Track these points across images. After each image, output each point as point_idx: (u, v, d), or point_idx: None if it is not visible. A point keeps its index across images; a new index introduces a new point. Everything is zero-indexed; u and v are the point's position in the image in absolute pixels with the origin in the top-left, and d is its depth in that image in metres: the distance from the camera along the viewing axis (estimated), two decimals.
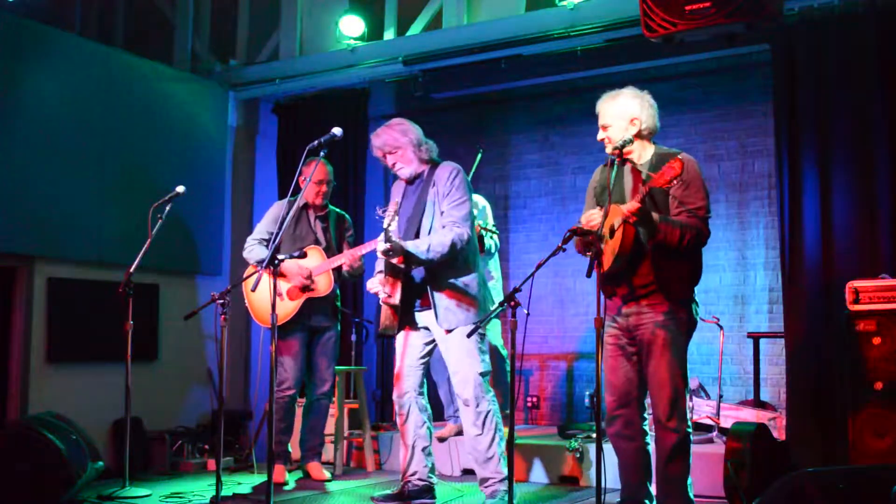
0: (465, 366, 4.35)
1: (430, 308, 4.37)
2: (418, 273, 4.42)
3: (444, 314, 4.33)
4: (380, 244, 4.28)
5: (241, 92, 7.24)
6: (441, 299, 4.35)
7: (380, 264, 4.55)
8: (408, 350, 4.53)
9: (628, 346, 3.89)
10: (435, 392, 5.81)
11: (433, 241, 4.31)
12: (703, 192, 3.81)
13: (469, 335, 4.18)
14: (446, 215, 4.37)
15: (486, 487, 4.39)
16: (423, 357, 4.55)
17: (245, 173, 7.36)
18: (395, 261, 4.35)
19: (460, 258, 4.38)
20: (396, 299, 4.41)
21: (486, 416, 4.35)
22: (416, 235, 4.43)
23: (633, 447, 3.91)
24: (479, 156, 6.14)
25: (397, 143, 4.47)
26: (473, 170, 5.90)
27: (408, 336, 4.53)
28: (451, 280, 4.37)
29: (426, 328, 4.49)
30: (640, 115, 3.90)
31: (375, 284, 4.49)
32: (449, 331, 4.34)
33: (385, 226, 4.27)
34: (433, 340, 4.50)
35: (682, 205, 3.76)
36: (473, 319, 4.31)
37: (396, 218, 4.35)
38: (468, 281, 4.39)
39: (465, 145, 6.75)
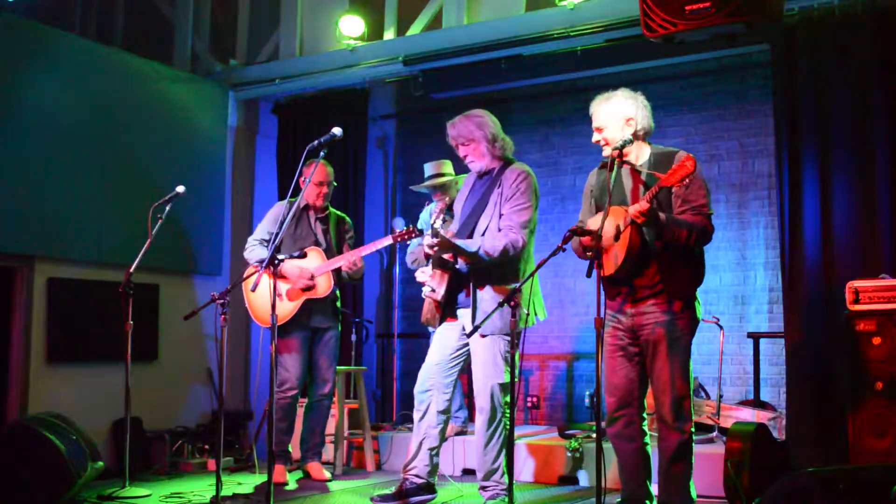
0: (485, 373, 4.32)
1: (471, 307, 4.32)
2: (464, 270, 4.37)
3: (480, 318, 4.23)
4: (426, 238, 4.26)
5: (241, 92, 7.24)
6: (482, 301, 4.30)
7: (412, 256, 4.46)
8: (440, 348, 4.49)
9: (630, 347, 3.89)
10: None
11: (485, 243, 4.25)
12: (704, 189, 3.82)
13: (469, 335, 4.17)
14: (505, 218, 4.30)
15: (485, 491, 4.39)
16: (454, 358, 4.47)
17: (245, 173, 7.37)
18: (446, 256, 4.32)
19: (510, 264, 4.31)
20: (440, 295, 4.39)
21: (496, 427, 4.32)
22: (472, 232, 4.38)
23: (633, 447, 3.91)
24: None
25: (472, 135, 4.41)
26: None
27: (444, 334, 4.49)
28: (497, 285, 4.29)
29: (464, 327, 4.43)
30: (636, 115, 3.90)
31: (424, 275, 4.47)
32: (483, 335, 4.27)
33: (431, 222, 4.25)
34: (468, 343, 4.44)
35: (685, 203, 3.76)
36: (507, 329, 4.22)
37: (443, 216, 4.31)
38: (508, 288, 4.29)
39: None
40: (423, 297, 4.53)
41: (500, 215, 4.32)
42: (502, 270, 4.30)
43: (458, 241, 4.25)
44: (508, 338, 4.27)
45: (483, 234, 4.33)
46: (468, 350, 4.45)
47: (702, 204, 3.77)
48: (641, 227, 3.67)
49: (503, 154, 4.46)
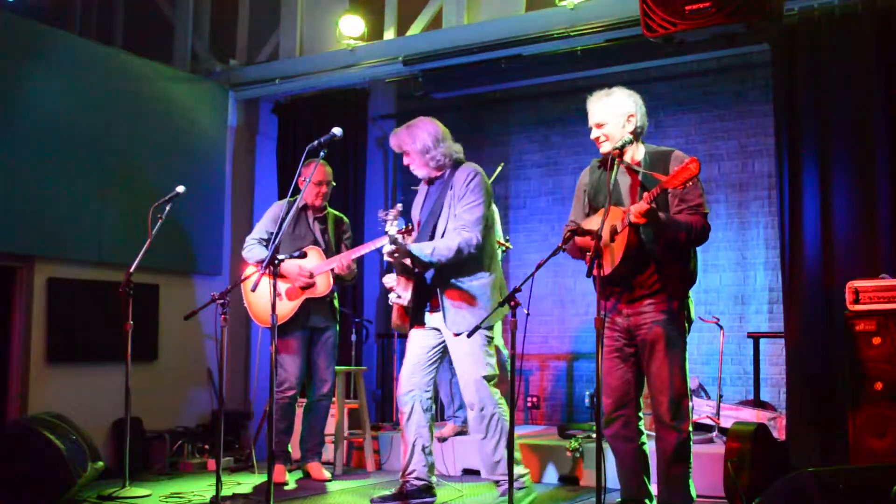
0: (468, 369, 4.35)
1: (440, 310, 4.36)
2: (429, 275, 4.41)
3: (451, 317, 4.31)
4: (385, 247, 4.28)
5: (241, 92, 7.24)
6: (449, 302, 4.34)
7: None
8: (416, 349, 4.51)
9: (626, 348, 3.89)
10: (436, 392, 5.81)
11: (439, 244, 4.29)
12: (700, 188, 3.82)
13: (469, 335, 4.18)
14: (458, 218, 4.33)
15: (500, 486, 4.43)
16: (431, 357, 4.50)
17: (245, 173, 7.37)
18: (407, 261, 4.35)
19: (471, 261, 4.34)
20: (406, 300, 4.43)
21: (489, 420, 4.34)
22: (432, 237, 4.42)
23: (631, 448, 3.91)
24: (499, 169, 6.17)
25: (406, 147, 4.46)
26: (490, 181, 5.94)
27: (418, 335, 4.51)
28: (459, 283, 4.34)
29: (436, 329, 4.46)
30: (636, 112, 3.90)
31: (391, 280, 4.50)
32: (457, 334, 4.30)
33: (386, 229, 4.27)
34: (444, 341, 4.47)
35: (683, 202, 3.77)
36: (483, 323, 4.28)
37: (396, 222, 4.33)
38: (478, 284, 4.35)
39: (465, 145, 6.76)
40: (390, 303, 4.56)
41: (455, 215, 4.36)
42: (463, 268, 4.35)
43: (413, 247, 4.29)
44: (486, 332, 4.34)
45: (443, 236, 4.38)
46: (444, 347, 4.48)
47: (699, 203, 3.78)
48: (640, 227, 3.67)
49: (445, 161, 4.47)
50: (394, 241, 4.23)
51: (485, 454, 4.39)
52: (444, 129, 4.53)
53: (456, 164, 4.50)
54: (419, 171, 4.51)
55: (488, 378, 4.35)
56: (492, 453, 4.36)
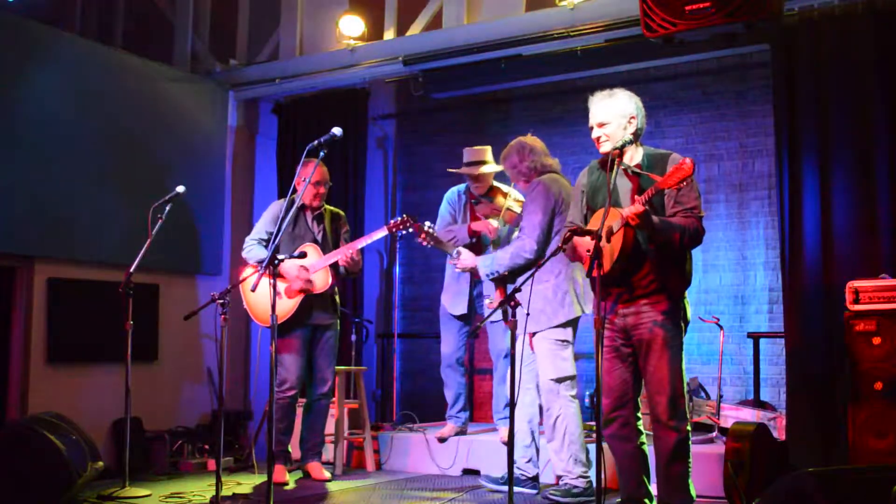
0: (540, 371, 4.57)
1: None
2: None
3: (521, 319, 4.37)
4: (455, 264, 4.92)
5: (241, 92, 7.24)
6: (532, 300, 4.43)
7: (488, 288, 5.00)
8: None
9: (623, 347, 3.89)
10: (440, 391, 5.80)
11: (498, 254, 4.64)
12: (696, 191, 3.82)
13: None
14: (520, 227, 4.64)
15: (560, 480, 4.60)
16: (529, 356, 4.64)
17: (245, 173, 7.37)
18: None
19: (532, 266, 4.45)
20: (492, 304, 4.74)
21: (554, 421, 4.52)
22: None
23: (630, 448, 3.91)
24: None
25: (503, 166, 4.94)
26: None
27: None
28: (537, 283, 4.48)
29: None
30: (637, 115, 3.91)
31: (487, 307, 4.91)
32: (532, 333, 4.51)
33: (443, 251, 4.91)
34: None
35: (678, 204, 3.77)
36: (549, 323, 4.48)
37: (455, 249, 4.83)
38: (541, 286, 4.50)
39: (465, 145, 6.77)
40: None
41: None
42: (522, 273, 4.51)
43: (479, 260, 4.69)
44: (557, 335, 4.53)
45: None
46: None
47: (693, 206, 3.77)
48: (636, 228, 3.67)
49: (531, 174, 4.76)
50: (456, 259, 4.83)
51: (551, 453, 4.57)
52: (534, 143, 4.83)
53: (539, 176, 4.74)
54: (517, 185, 4.88)
55: (559, 380, 4.51)
56: (555, 455, 4.54)
